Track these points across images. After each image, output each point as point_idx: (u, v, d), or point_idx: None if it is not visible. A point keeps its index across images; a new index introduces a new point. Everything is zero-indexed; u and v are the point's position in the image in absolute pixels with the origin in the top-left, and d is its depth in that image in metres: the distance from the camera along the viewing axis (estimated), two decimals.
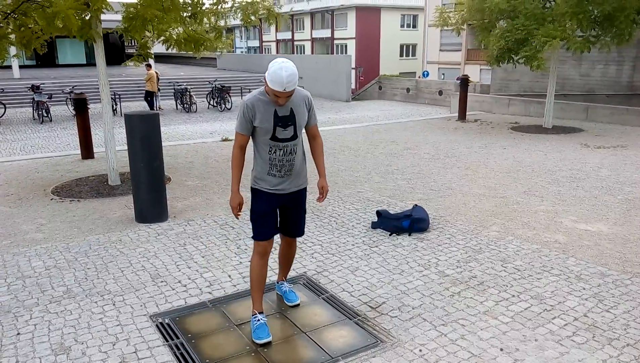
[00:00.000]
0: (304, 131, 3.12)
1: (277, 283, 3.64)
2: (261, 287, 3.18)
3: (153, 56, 8.01)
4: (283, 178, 3.06)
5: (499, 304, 3.48)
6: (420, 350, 2.95)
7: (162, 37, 7.13)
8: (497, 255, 4.32)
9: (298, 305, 3.49)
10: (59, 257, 4.39)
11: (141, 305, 3.53)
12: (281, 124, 2.94)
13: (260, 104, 2.92)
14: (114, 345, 3.05)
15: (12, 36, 6.67)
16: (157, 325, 3.27)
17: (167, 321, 3.32)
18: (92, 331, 3.20)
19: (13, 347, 3.04)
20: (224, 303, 3.55)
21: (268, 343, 3.03)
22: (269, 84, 2.80)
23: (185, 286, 3.81)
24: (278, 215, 3.22)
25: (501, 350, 2.95)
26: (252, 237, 3.15)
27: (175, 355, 2.95)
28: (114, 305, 3.54)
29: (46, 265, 4.24)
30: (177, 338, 3.12)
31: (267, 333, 3.07)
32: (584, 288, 3.70)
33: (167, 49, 7.51)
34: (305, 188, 3.24)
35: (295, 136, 3.00)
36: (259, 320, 3.13)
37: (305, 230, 4.97)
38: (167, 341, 3.09)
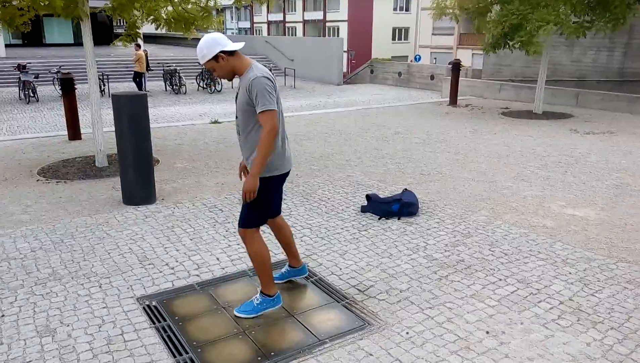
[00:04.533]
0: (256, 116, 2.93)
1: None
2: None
3: (142, 36, 7.87)
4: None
5: (485, 288, 3.50)
6: (407, 333, 2.97)
7: (151, 17, 7.00)
8: (485, 239, 4.34)
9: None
10: (45, 239, 4.35)
11: (128, 288, 3.50)
12: (235, 101, 3.04)
13: None
14: (100, 327, 3.04)
15: None
16: (144, 308, 3.25)
17: (154, 303, 3.30)
18: (78, 313, 3.18)
19: None
20: (212, 285, 3.54)
21: (257, 324, 3.04)
22: None
23: (172, 269, 3.79)
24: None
25: (487, 333, 2.97)
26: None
27: (162, 337, 2.94)
28: (100, 287, 3.51)
29: (32, 246, 4.19)
30: (164, 320, 3.11)
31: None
32: (570, 273, 3.73)
33: (156, 29, 7.38)
34: None
35: (237, 116, 3.05)
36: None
37: (295, 213, 5.05)
38: (153, 323, 3.08)
